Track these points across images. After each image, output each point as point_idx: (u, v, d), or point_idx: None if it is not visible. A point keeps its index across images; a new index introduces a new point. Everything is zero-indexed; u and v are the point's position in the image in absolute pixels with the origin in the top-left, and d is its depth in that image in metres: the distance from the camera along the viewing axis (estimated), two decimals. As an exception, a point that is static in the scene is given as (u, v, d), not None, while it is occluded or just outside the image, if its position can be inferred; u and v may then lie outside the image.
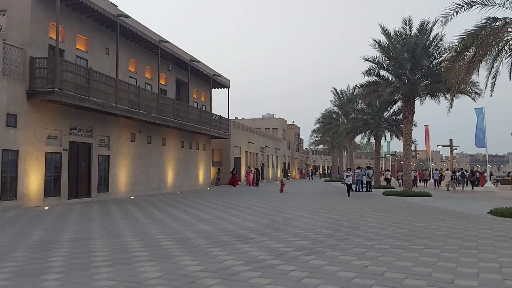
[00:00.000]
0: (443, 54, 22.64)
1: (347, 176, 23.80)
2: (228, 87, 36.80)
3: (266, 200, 20.43)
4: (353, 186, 25.93)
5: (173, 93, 29.29)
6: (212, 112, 34.25)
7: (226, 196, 23.33)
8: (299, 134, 75.59)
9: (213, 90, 36.80)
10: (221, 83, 35.49)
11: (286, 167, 62.86)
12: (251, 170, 38.91)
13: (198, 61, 30.34)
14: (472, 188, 33.38)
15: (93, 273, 6.15)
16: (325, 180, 55.35)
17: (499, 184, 35.45)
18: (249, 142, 43.71)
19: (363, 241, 8.94)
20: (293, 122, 71.20)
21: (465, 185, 33.82)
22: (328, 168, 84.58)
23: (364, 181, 27.79)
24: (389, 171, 47.08)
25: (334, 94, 51.80)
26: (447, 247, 8.30)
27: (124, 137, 22.98)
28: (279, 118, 62.55)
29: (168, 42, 25.63)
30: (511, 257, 7.34)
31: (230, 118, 37.06)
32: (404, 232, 10.17)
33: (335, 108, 52.17)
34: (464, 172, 36.31)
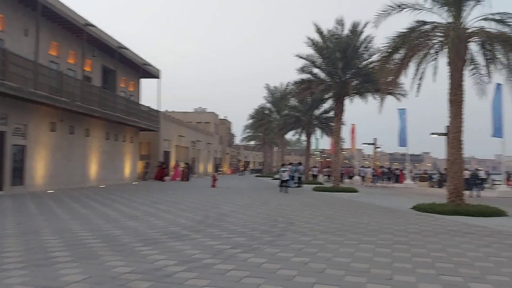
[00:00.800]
0: (373, 55, 23.53)
1: (283, 172, 23.23)
2: (158, 77, 35.54)
3: (198, 195, 19.92)
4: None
5: (99, 81, 27.63)
6: (141, 103, 32.89)
7: (155, 191, 22.43)
8: (231, 129, 75.46)
9: (142, 80, 35.36)
10: (151, 72, 34.19)
11: (218, 162, 62.42)
12: (178, 164, 37.87)
13: (127, 48, 28.90)
14: (392, 184, 35.37)
15: (4, 276, 5.35)
16: (256, 176, 55.70)
17: (417, 181, 37.87)
18: (179, 135, 42.67)
19: (300, 236, 8.84)
20: (225, 117, 70.89)
21: (385, 181, 35.71)
22: (259, 164, 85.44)
23: (295, 177, 28.17)
24: (316, 167, 48.46)
25: (267, 90, 52.21)
26: (380, 242, 8.43)
27: (44, 126, 21.20)
28: (211, 112, 61.90)
29: (94, 26, 24.07)
30: (441, 252, 7.58)
31: (160, 110, 35.87)
32: (337, 227, 10.24)
33: (268, 104, 52.61)
34: (385, 169, 38.44)
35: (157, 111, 34.43)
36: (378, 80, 17.40)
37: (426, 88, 18.12)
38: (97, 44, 25.84)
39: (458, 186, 14.35)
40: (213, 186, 26.53)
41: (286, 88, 46.23)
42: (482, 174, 27.42)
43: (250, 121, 57.17)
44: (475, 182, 24.10)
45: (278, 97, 49.22)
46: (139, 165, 34.98)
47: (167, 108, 58.06)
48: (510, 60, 13.89)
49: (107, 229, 9.48)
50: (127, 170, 31.83)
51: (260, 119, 53.27)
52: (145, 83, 38.36)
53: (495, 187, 30.45)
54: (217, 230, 9.54)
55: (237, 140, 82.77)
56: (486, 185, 29.64)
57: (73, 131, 24.04)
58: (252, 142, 69.44)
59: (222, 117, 68.17)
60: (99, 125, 27.04)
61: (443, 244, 8.37)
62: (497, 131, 23.77)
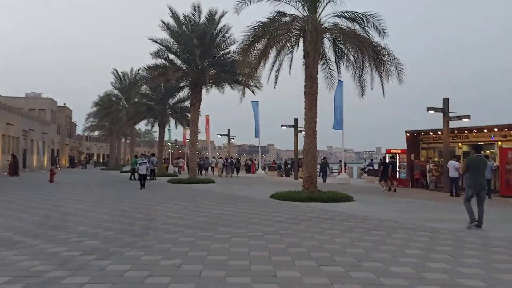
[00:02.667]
0: (231, 45, 23.36)
1: (140, 164, 19.93)
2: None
3: (34, 192, 17.11)
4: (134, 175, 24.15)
5: None
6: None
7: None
8: (71, 118, 68.55)
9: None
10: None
11: (56, 154, 55.96)
12: None
13: None
14: (237, 173, 36.21)
15: None
16: (101, 169, 51.52)
17: (267, 170, 39.63)
18: (7, 123, 36.73)
19: (164, 234, 7.87)
20: (65, 103, 63.89)
21: (234, 171, 36.48)
22: (104, 156, 79.70)
23: (149, 169, 26.50)
24: (167, 158, 47.04)
25: (115, 76, 48.36)
26: (251, 234, 8.00)
27: None
28: (47, 98, 54.94)
29: None
30: (312, 240, 7.47)
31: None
32: (203, 221, 9.54)
33: (116, 91, 48.78)
34: (233, 160, 39.31)
35: (-22, 94, 28.91)
36: (236, 70, 17.16)
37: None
38: None
39: (312, 175, 14.98)
40: (51, 181, 23.32)
41: (138, 74, 43.50)
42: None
43: (95, 109, 52.48)
44: (325, 169, 26.29)
45: (128, 84, 46.05)
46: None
47: (-7, 92, 49.47)
48: (357, 57, 14.96)
49: None
50: None
51: (106, 107, 49.13)
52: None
53: (334, 174, 33.64)
54: (62, 233, 7.95)
55: (79, 130, 75.74)
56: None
57: None
58: (97, 133, 64.12)
59: (61, 104, 61.19)
60: None
61: (310, 231, 8.34)
62: (338, 124, 25.96)
